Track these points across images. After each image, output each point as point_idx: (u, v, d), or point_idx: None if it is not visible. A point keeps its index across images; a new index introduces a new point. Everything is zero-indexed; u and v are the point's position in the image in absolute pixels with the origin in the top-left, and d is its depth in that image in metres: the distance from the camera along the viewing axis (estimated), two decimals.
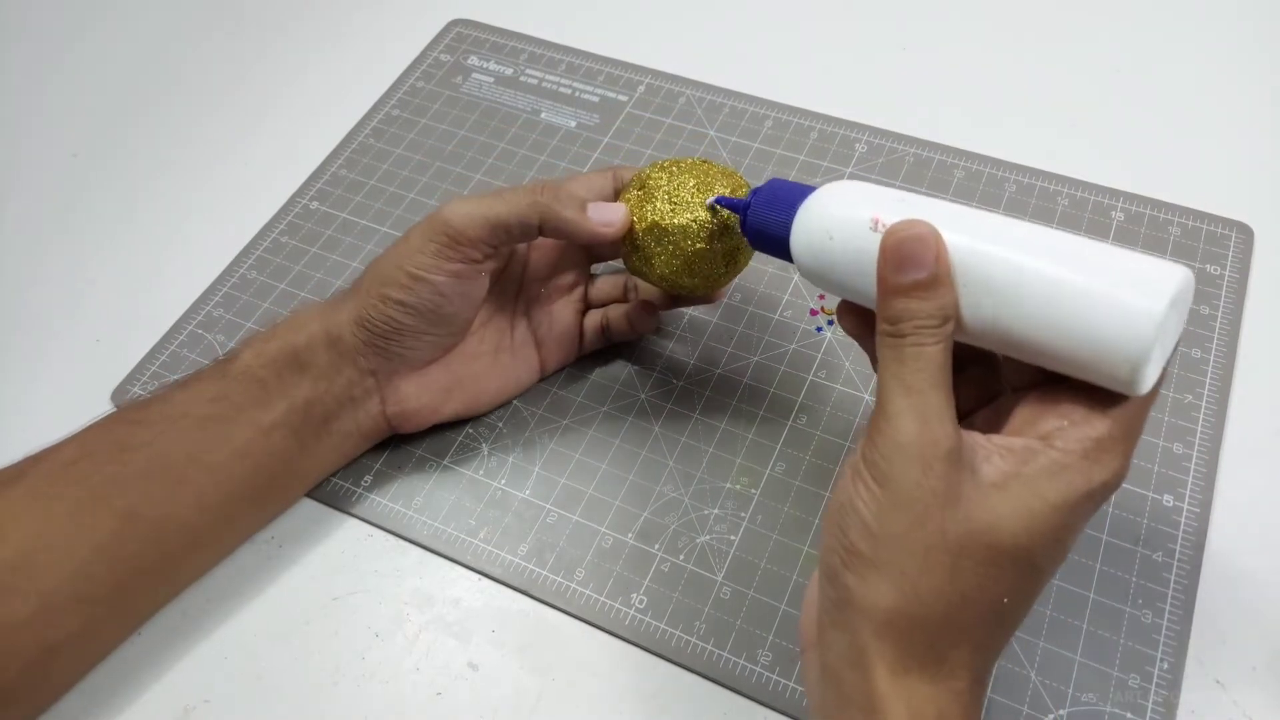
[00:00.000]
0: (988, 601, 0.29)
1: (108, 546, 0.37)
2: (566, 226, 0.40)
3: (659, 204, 0.40)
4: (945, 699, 0.28)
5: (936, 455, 0.28)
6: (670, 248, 0.40)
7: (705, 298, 0.45)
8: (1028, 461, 0.28)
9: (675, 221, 0.40)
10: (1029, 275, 0.28)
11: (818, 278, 0.34)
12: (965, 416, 0.33)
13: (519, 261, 0.45)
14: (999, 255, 0.29)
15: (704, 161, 0.42)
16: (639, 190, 0.41)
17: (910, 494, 0.28)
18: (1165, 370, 0.29)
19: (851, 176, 0.55)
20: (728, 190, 0.40)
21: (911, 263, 0.29)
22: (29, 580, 0.35)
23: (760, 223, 0.37)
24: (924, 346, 0.29)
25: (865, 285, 0.31)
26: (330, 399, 0.41)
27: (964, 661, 0.29)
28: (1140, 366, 0.27)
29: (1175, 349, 0.30)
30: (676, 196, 0.40)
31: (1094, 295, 0.28)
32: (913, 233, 0.29)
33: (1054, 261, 0.28)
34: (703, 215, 0.40)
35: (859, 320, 0.34)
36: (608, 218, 0.40)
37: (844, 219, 0.32)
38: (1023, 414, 0.30)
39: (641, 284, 0.46)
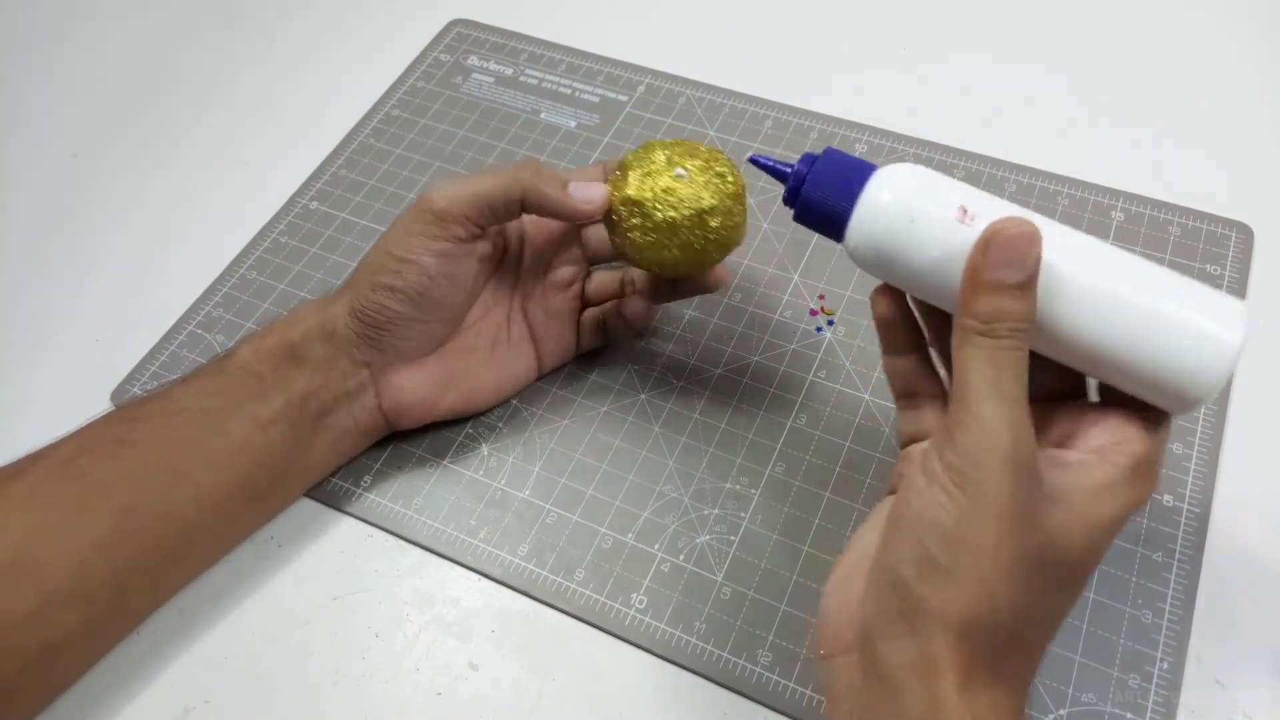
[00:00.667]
0: (1053, 613, 0.29)
1: (106, 543, 0.37)
2: (548, 202, 0.40)
3: (631, 177, 0.40)
4: (1007, 711, 0.28)
5: (1029, 467, 0.28)
6: (644, 220, 0.40)
7: (701, 284, 0.44)
8: (1085, 476, 0.29)
9: (645, 193, 0.40)
10: (1118, 292, 0.29)
11: (877, 264, 0.32)
12: None
13: (515, 256, 0.45)
14: (1086, 267, 0.30)
15: (684, 141, 0.42)
16: (617, 170, 0.41)
17: (1001, 504, 0.27)
18: None
19: None
20: (700, 162, 0.40)
21: (1015, 261, 0.28)
22: (28, 578, 0.35)
23: (820, 195, 0.33)
24: (1018, 350, 0.28)
25: (943, 277, 0.31)
26: (326, 393, 0.41)
27: (1019, 671, 0.29)
28: (1214, 391, 0.29)
29: None
30: (648, 168, 0.40)
31: (1181, 320, 0.29)
32: (1021, 230, 0.29)
33: (1138, 282, 0.29)
34: (671, 183, 0.40)
35: (895, 305, 0.33)
36: (588, 194, 0.41)
37: (928, 205, 0.31)
38: (1062, 428, 0.31)
39: (636, 275, 0.46)
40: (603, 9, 0.66)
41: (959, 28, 0.63)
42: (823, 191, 0.33)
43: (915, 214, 0.31)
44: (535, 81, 0.61)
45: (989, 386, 0.28)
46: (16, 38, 0.68)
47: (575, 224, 0.42)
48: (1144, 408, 0.30)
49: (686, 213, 0.40)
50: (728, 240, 0.41)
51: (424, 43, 0.65)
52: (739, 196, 0.41)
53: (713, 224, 0.40)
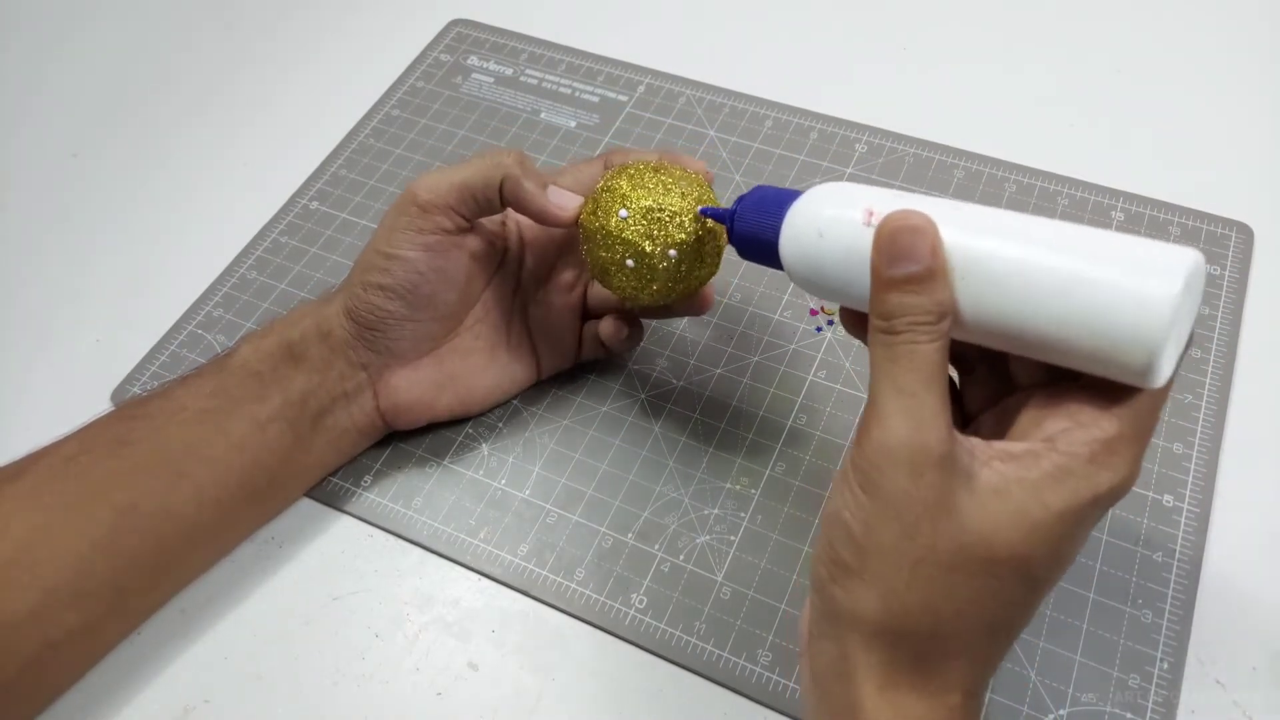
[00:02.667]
0: (983, 614, 0.27)
1: (106, 541, 0.37)
2: (524, 196, 0.39)
3: (588, 206, 0.40)
4: (939, 715, 0.27)
5: (928, 462, 0.26)
6: (596, 251, 0.39)
7: (688, 308, 0.43)
8: (1030, 467, 0.27)
9: (593, 222, 0.39)
10: (1034, 265, 0.27)
11: (809, 282, 0.33)
12: (974, 418, 0.32)
13: (515, 259, 0.45)
14: (1000, 246, 0.28)
15: (659, 169, 0.40)
16: (599, 183, 0.40)
17: (899, 503, 0.27)
18: (1180, 363, 0.28)
19: (851, 177, 0.55)
20: (649, 204, 0.38)
21: (906, 255, 0.28)
22: (29, 575, 0.36)
23: (748, 229, 0.36)
24: (918, 345, 0.27)
25: (859, 285, 0.30)
26: (324, 392, 0.41)
27: (957, 676, 0.28)
28: (1157, 354, 0.26)
29: (1189, 340, 0.29)
30: (604, 198, 0.39)
31: (1105, 282, 0.26)
32: (907, 223, 0.28)
33: (1060, 250, 0.27)
34: (617, 223, 0.38)
35: (862, 324, 0.32)
36: (562, 201, 0.40)
37: (835, 215, 0.31)
38: (1028, 415, 0.29)
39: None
40: (603, 9, 0.66)
41: (959, 28, 0.63)
42: (750, 225, 0.36)
43: (822, 228, 0.31)
44: (535, 81, 0.61)
45: (887, 383, 0.28)
46: (17, 38, 0.68)
47: (546, 225, 0.41)
48: (1114, 385, 0.27)
49: (620, 254, 0.39)
50: (696, 280, 0.40)
51: (424, 43, 0.65)
52: (689, 241, 0.39)
53: (681, 271, 0.39)
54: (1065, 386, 0.28)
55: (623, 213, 0.38)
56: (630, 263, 0.39)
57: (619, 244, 0.39)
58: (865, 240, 0.30)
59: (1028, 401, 0.29)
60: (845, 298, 0.32)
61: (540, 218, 0.40)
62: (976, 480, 0.27)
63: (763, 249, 0.35)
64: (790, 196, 0.34)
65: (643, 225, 0.38)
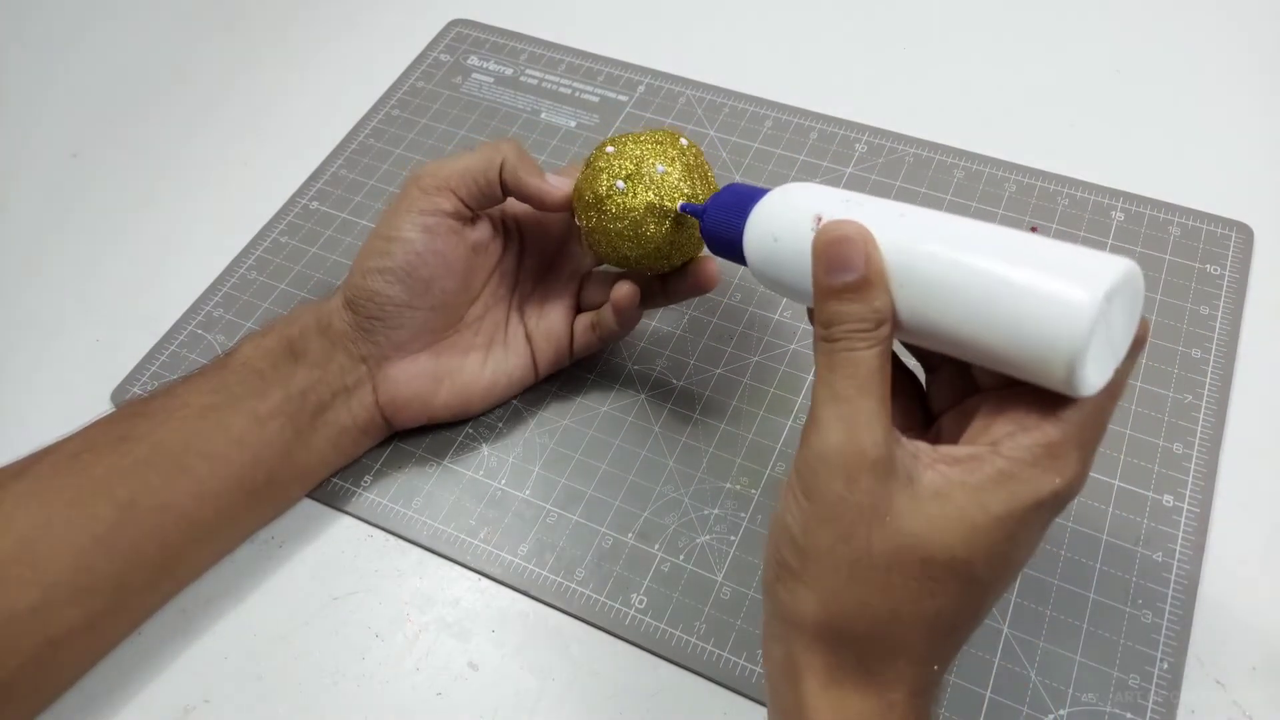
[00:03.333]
0: (923, 615, 0.27)
1: (107, 536, 0.37)
2: (520, 178, 0.41)
3: (582, 173, 0.41)
4: (878, 713, 0.28)
5: (862, 466, 0.27)
6: (589, 215, 0.41)
7: (692, 285, 0.43)
8: (972, 471, 0.27)
9: (586, 190, 0.41)
10: (962, 271, 0.27)
11: (771, 283, 0.33)
12: (938, 416, 0.32)
13: (514, 258, 0.46)
14: (932, 252, 0.28)
15: (651, 134, 0.41)
16: (588, 156, 0.42)
17: (834, 507, 0.27)
18: (1121, 371, 0.27)
19: (851, 176, 0.55)
20: (648, 162, 0.40)
21: (841, 264, 0.28)
22: (30, 570, 0.36)
23: (714, 227, 0.36)
24: (855, 351, 0.28)
25: (810, 289, 0.30)
26: (324, 387, 0.42)
27: (899, 675, 0.28)
28: (1076, 364, 0.25)
29: (1140, 353, 0.28)
30: (597, 165, 0.41)
31: (1026, 288, 0.26)
32: (839, 233, 0.28)
33: (988, 256, 0.27)
34: (607, 188, 0.40)
35: None
36: (556, 182, 0.42)
37: (788, 221, 0.31)
38: (979, 419, 0.29)
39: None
40: (603, 9, 0.66)
41: (959, 28, 0.63)
42: (716, 224, 0.36)
43: (776, 232, 0.32)
44: (535, 81, 0.61)
45: (825, 390, 0.28)
46: (17, 38, 0.68)
47: (543, 209, 0.42)
48: (1053, 391, 0.27)
49: (609, 186, 0.40)
50: (682, 246, 0.41)
51: (424, 43, 0.65)
52: (679, 163, 0.40)
53: (638, 190, 0.40)
54: (1015, 391, 0.28)
55: (619, 184, 0.40)
56: (611, 226, 0.40)
57: (596, 207, 0.40)
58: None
59: (981, 405, 0.29)
60: (805, 299, 0.32)
61: (535, 199, 0.42)
62: (917, 484, 0.27)
63: (730, 248, 0.36)
64: (757, 196, 0.34)
65: (639, 186, 0.40)
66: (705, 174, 0.41)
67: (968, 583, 0.27)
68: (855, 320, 0.28)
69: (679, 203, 0.39)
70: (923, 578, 0.27)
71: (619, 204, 0.40)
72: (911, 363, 0.34)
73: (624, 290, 0.42)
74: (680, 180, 0.40)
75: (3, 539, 0.36)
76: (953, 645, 0.30)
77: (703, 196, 0.40)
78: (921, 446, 0.28)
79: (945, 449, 0.28)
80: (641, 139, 0.41)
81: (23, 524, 0.36)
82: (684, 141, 0.41)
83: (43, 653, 0.36)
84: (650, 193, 0.39)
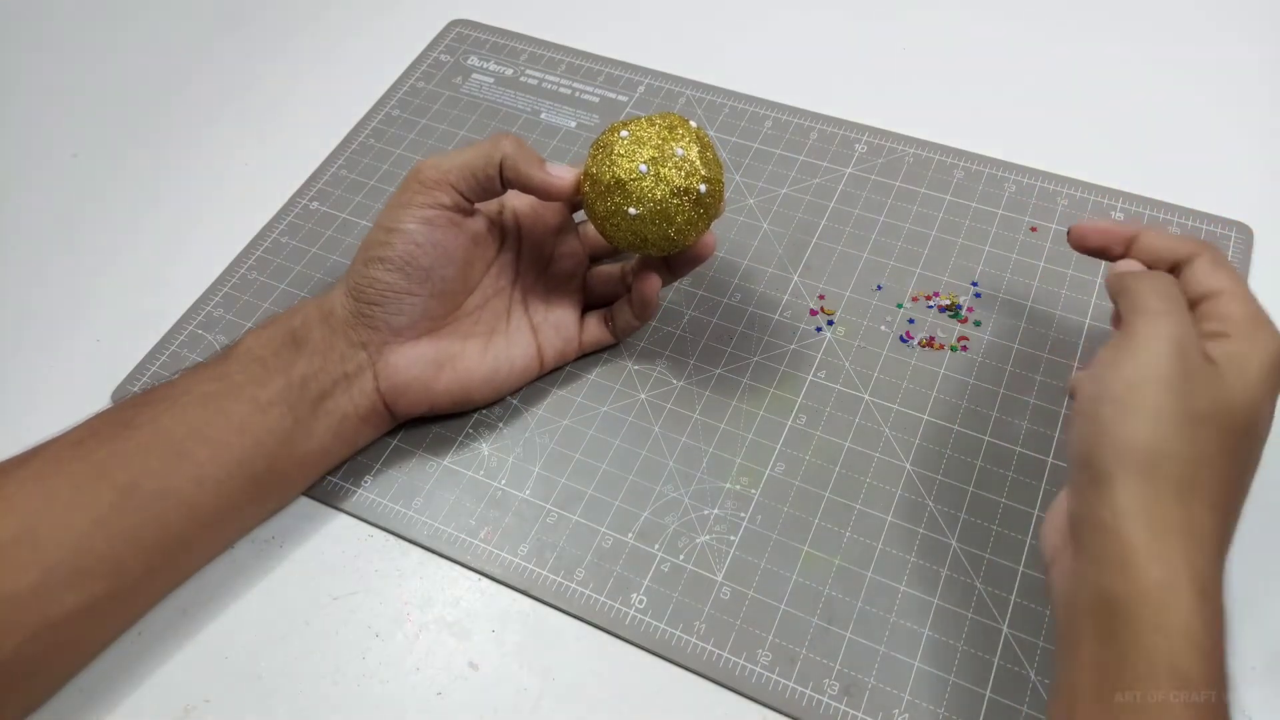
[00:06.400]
0: (1225, 463, 0.33)
1: (107, 519, 0.37)
2: (522, 171, 0.42)
3: (593, 158, 0.42)
4: (1196, 555, 0.31)
5: (1187, 341, 0.33)
6: (608, 197, 0.41)
7: (692, 256, 0.44)
8: (1225, 348, 0.34)
9: (607, 176, 0.41)
10: None
11: None
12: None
13: (513, 248, 0.46)
14: None
15: (660, 117, 0.42)
16: (595, 141, 0.43)
17: (1167, 371, 0.33)
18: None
19: (851, 177, 0.55)
20: (668, 145, 0.40)
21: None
22: (30, 552, 0.36)
23: None
24: (1162, 280, 0.37)
25: None
26: (325, 375, 0.42)
27: (1209, 520, 0.32)
28: None
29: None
30: (608, 148, 0.41)
31: None
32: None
33: None
34: (623, 149, 0.41)
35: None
36: (559, 173, 0.43)
37: None
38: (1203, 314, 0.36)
39: (635, 263, 0.47)
40: (603, 9, 0.66)
41: (959, 28, 0.63)
42: None
43: None
44: (535, 82, 0.61)
45: (1150, 302, 0.35)
46: (17, 38, 0.68)
47: (548, 199, 0.43)
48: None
49: (630, 170, 0.40)
50: (700, 217, 0.42)
51: (424, 43, 0.65)
52: (695, 144, 0.41)
53: (663, 173, 0.41)
54: (1206, 303, 0.36)
55: (642, 167, 0.40)
56: (633, 210, 0.41)
57: (618, 191, 0.41)
58: None
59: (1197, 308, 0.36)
60: None
61: (540, 190, 0.43)
62: (1211, 367, 0.33)
63: None
64: None
65: (645, 164, 0.40)
66: (715, 155, 0.42)
67: (1251, 433, 0.34)
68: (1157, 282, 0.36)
69: (700, 184, 0.40)
70: (1227, 431, 0.33)
71: (642, 188, 0.40)
72: None
73: (652, 282, 0.44)
74: (699, 162, 0.41)
75: (4, 520, 0.36)
76: (1240, 496, 0.34)
77: (717, 177, 0.41)
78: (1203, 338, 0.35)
79: (1217, 342, 0.34)
80: (655, 122, 0.42)
81: (23, 506, 0.37)
82: (693, 124, 0.42)
83: (41, 635, 0.36)
84: (676, 175, 0.40)
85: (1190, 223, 0.51)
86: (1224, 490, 0.33)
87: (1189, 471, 0.32)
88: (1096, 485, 0.32)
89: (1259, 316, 0.35)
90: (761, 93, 0.59)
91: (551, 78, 0.62)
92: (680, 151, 0.40)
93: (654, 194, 0.40)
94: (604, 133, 0.42)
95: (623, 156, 0.41)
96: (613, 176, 0.41)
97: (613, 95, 0.60)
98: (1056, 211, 0.52)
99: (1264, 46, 0.60)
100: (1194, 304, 0.36)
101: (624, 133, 0.41)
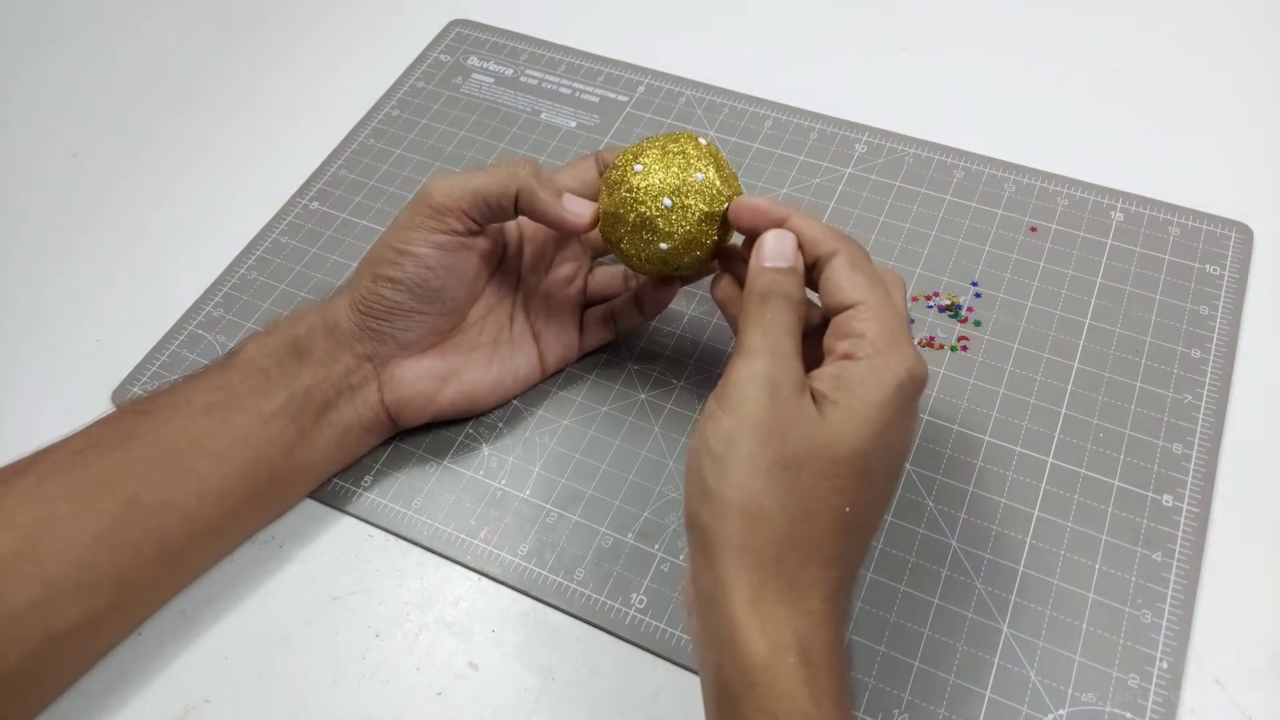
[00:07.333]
0: (831, 510, 0.31)
1: (109, 533, 0.37)
2: (539, 206, 0.41)
3: (603, 191, 0.41)
4: (801, 620, 0.30)
5: (782, 381, 0.32)
6: (623, 226, 0.40)
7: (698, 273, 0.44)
8: (841, 376, 0.33)
9: (614, 203, 0.40)
10: None
11: None
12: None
13: (515, 255, 0.46)
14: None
15: (668, 139, 0.40)
16: (607, 175, 0.41)
17: (757, 416, 0.31)
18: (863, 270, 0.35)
19: (851, 177, 0.55)
20: (657, 151, 0.39)
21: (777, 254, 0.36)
22: (32, 565, 0.36)
23: None
24: (784, 307, 0.35)
25: None
26: (329, 386, 0.42)
27: (815, 579, 0.31)
28: None
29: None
30: (616, 177, 0.40)
31: None
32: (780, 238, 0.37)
33: None
34: (633, 182, 0.39)
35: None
36: (578, 209, 0.41)
37: None
38: (830, 345, 0.34)
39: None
40: (603, 9, 0.66)
41: (958, 28, 0.63)
42: None
43: None
44: (535, 82, 0.61)
45: (757, 329, 0.34)
46: (17, 37, 0.68)
47: (564, 234, 0.43)
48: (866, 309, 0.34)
49: (655, 207, 0.39)
50: (708, 217, 0.40)
51: (424, 43, 0.65)
52: (711, 164, 0.40)
53: (689, 203, 0.39)
54: (843, 318, 0.34)
55: (666, 202, 0.39)
56: (664, 245, 0.40)
57: (645, 229, 0.40)
58: None
59: (826, 338, 0.35)
60: None
61: (558, 226, 0.41)
62: (817, 398, 0.33)
63: None
64: None
65: (660, 164, 0.39)
66: (730, 169, 0.41)
67: (864, 474, 0.32)
68: (785, 290, 0.35)
69: (724, 205, 0.39)
70: (830, 475, 0.31)
71: (670, 222, 0.39)
72: None
73: (673, 288, 0.45)
74: (720, 183, 0.39)
75: (5, 534, 0.36)
76: (858, 543, 0.33)
77: (738, 191, 0.40)
78: (814, 373, 0.34)
79: (818, 373, 0.34)
80: (666, 148, 0.40)
81: (25, 519, 0.36)
82: (702, 141, 0.41)
83: (44, 648, 0.36)
84: (701, 203, 0.39)
85: (1190, 222, 0.51)
86: (835, 540, 0.31)
87: (789, 527, 0.30)
88: (702, 551, 0.32)
89: (892, 334, 0.33)
90: (761, 93, 0.59)
91: (551, 78, 0.62)
92: (700, 176, 0.39)
93: (682, 227, 0.39)
94: (616, 163, 0.41)
95: (644, 192, 0.39)
96: (638, 216, 0.39)
97: (613, 95, 0.60)
98: (1056, 211, 0.52)
99: (1264, 46, 0.60)
100: (832, 313, 0.35)
101: (638, 166, 0.40)
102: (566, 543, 0.43)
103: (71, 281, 0.54)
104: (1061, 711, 0.37)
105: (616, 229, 0.40)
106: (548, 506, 0.44)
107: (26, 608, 0.35)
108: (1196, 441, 0.44)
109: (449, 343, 0.44)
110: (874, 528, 0.34)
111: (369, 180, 0.57)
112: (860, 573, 0.40)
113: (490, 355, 0.45)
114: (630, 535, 0.43)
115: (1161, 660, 0.38)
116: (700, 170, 0.39)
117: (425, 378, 0.43)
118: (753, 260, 0.36)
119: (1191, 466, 0.43)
